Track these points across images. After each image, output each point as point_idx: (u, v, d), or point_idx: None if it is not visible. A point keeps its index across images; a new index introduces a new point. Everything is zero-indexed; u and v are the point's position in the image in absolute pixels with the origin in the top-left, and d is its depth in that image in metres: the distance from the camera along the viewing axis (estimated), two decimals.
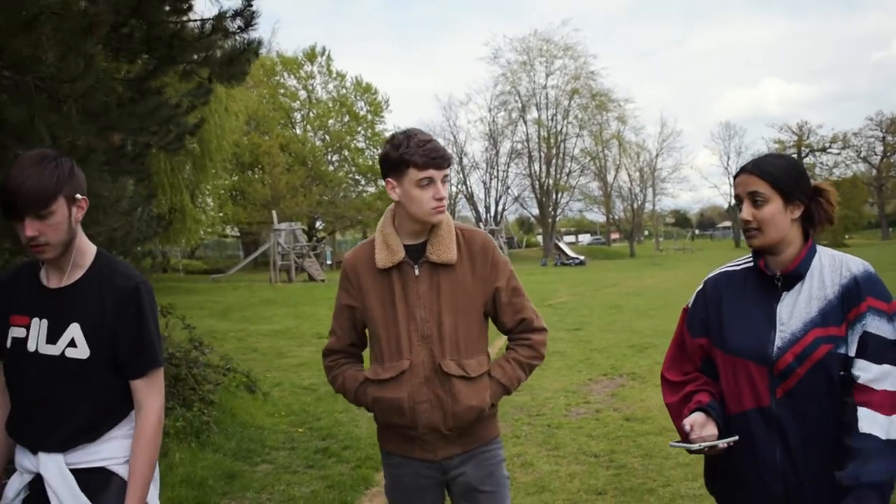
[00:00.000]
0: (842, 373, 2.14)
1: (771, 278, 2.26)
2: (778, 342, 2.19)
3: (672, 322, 9.36)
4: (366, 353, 2.76)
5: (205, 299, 22.71)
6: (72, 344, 2.24)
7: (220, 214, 36.92)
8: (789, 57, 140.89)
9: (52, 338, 2.24)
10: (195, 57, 6.06)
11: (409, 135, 2.51)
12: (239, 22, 6.01)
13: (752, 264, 2.35)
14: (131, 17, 5.50)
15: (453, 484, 2.63)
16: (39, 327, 2.25)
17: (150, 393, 2.31)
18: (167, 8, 5.82)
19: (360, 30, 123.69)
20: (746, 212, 2.23)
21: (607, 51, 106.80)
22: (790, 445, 2.16)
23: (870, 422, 2.06)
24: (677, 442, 2.23)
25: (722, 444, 2.13)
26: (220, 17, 5.91)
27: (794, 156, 64.46)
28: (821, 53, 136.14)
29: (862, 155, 69.64)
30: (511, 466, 5.39)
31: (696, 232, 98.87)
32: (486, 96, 71.04)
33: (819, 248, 2.28)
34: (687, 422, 2.20)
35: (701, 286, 2.44)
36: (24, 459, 2.28)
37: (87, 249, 2.34)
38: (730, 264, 2.44)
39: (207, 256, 54.01)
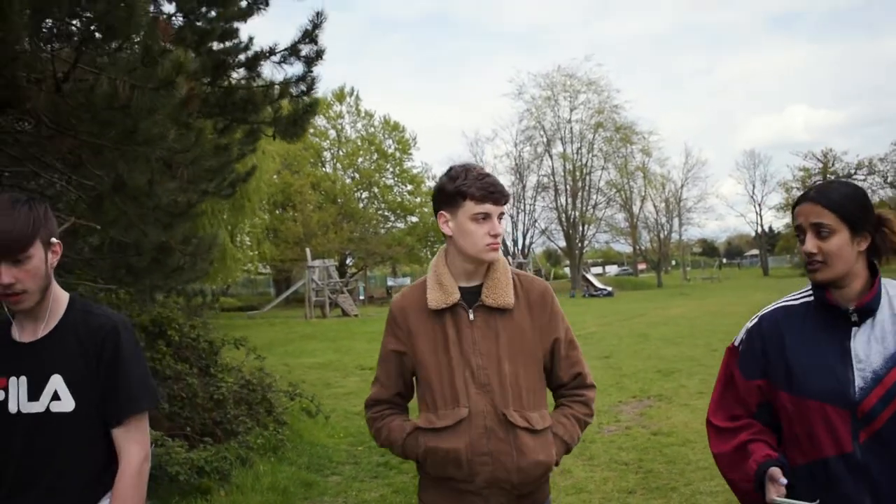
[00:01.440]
0: None
1: (843, 313, 2.11)
2: (859, 382, 2.04)
3: (697, 348, 10.47)
4: (412, 405, 2.61)
5: (245, 335, 23.52)
6: (56, 397, 2.12)
7: (257, 253, 38.03)
8: (815, 83, 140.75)
9: (34, 394, 2.12)
10: (264, 118, 6.98)
11: (467, 168, 2.45)
12: (302, 86, 6.91)
13: (811, 298, 2.21)
14: (210, 86, 6.45)
15: None
16: (18, 385, 2.13)
17: (127, 442, 2.19)
18: (240, 75, 6.77)
19: (386, 66, 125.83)
20: (811, 244, 2.09)
21: (632, 81, 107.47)
22: (880, 493, 2.01)
23: None
24: (780, 498, 2.01)
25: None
26: (286, 83, 6.81)
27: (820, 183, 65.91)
28: (847, 78, 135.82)
29: (889, 180, 69.55)
30: (552, 475, 6.16)
31: (724, 261, 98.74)
32: (511, 131, 71.96)
33: (884, 280, 2.16)
34: (775, 474, 2.03)
35: (755, 321, 2.29)
36: None
37: (61, 297, 2.23)
38: (786, 299, 2.29)
39: (239, 294, 55.11)
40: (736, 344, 2.31)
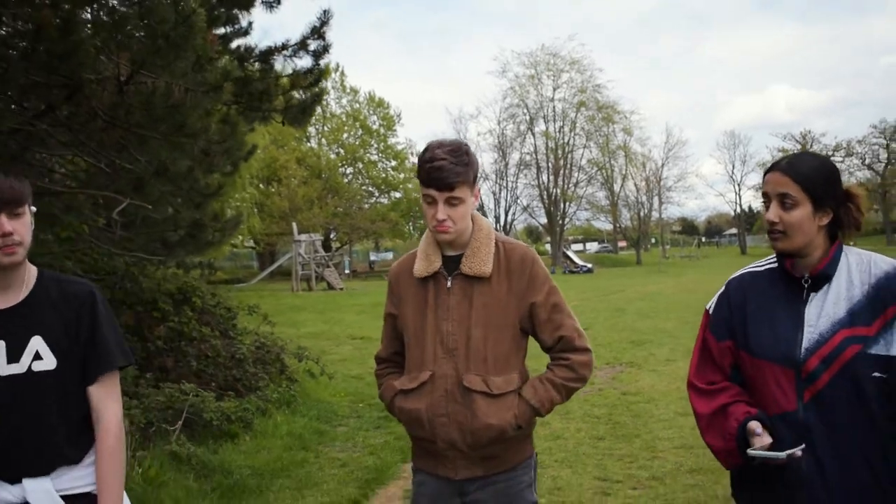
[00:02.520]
0: (876, 374, 2.05)
1: (798, 279, 2.20)
2: (805, 343, 2.11)
3: (670, 321, 11.64)
4: None
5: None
6: (37, 357, 2.21)
7: (245, 227, 38.53)
8: (798, 63, 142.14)
9: (14, 356, 2.20)
10: (276, 106, 7.72)
11: (427, 147, 2.48)
12: (311, 78, 7.65)
13: (776, 265, 2.29)
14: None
15: None
16: None
17: (106, 399, 2.29)
18: (257, 66, 7.48)
19: (370, 41, 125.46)
20: (773, 213, 2.16)
21: (615, 60, 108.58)
22: (818, 452, 2.08)
23: None
24: (757, 450, 2.07)
25: (798, 451, 2.04)
26: (296, 74, 7.55)
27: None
28: (829, 59, 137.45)
29: (866, 162, 70.70)
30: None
31: (703, 240, 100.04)
32: (495, 109, 72.40)
33: (846, 248, 2.21)
34: (755, 427, 2.11)
35: (723, 288, 2.38)
36: (2, 493, 2.21)
37: (31, 267, 2.32)
38: (753, 265, 2.39)
39: (223, 267, 55.54)
40: (708, 308, 2.40)
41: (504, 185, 61.55)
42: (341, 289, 34.59)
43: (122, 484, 2.28)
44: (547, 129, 60.01)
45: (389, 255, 64.59)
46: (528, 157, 60.99)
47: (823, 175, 2.14)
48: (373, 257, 63.27)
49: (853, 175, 69.43)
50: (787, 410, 2.12)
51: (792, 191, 2.12)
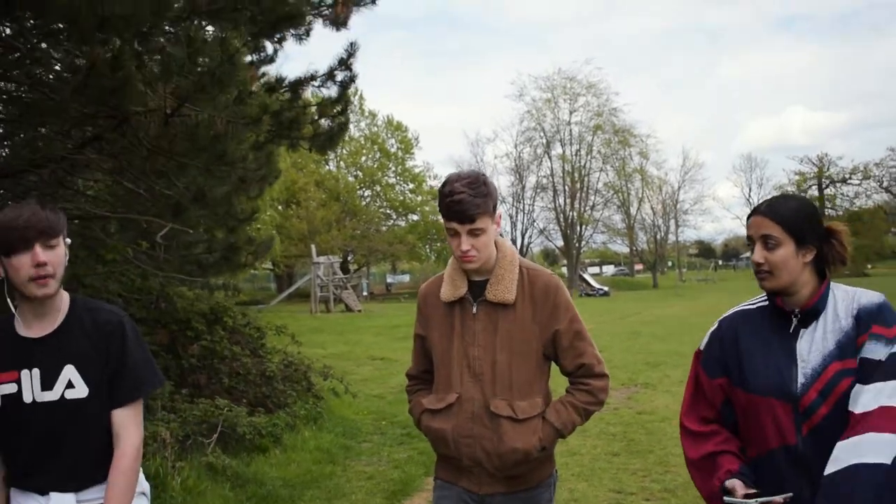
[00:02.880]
0: None
1: (788, 315, 2.27)
2: (801, 378, 2.18)
3: (684, 345, 11.96)
4: None
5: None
6: (70, 385, 2.29)
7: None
8: (814, 85, 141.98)
9: (48, 384, 2.28)
10: (304, 134, 8.06)
11: (448, 181, 2.57)
12: (338, 107, 8.00)
13: (766, 303, 2.36)
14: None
15: None
16: (31, 378, 2.28)
17: (129, 423, 2.36)
18: (286, 96, 7.84)
19: (387, 64, 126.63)
20: (758, 254, 2.24)
21: (632, 81, 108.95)
22: (818, 483, 2.10)
23: (840, 453, 2.08)
24: (733, 499, 2.18)
25: (779, 499, 2.12)
26: (324, 104, 7.90)
27: (815, 188, 63.57)
28: (846, 81, 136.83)
29: (884, 185, 70.08)
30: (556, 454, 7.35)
31: (720, 262, 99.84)
32: (511, 132, 72.75)
33: (833, 284, 2.29)
34: (734, 486, 2.20)
35: (715, 326, 2.45)
36: (30, 503, 2.34)
37: (64, 294, 2.39)
38: (744, 304, 2.46)
39: (241, 289, 55.96)
40: (701, 348, 2.47)
41: (521, 207, 61.77)
42: (359, 311, 34.86)
43: (131, 501, 2.35)
44: (563, 152, 60.30)
45: (406, 278, 64.97)
46: (544, 180, 61.28)
47: (803, 214, 2.23)
48: (389, 280, 63.66)
49: (871, 198, 68.87)
50: (787, 444, 2.19)
51: (774, 232, 2.21)
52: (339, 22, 7.28)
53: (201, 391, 7.26)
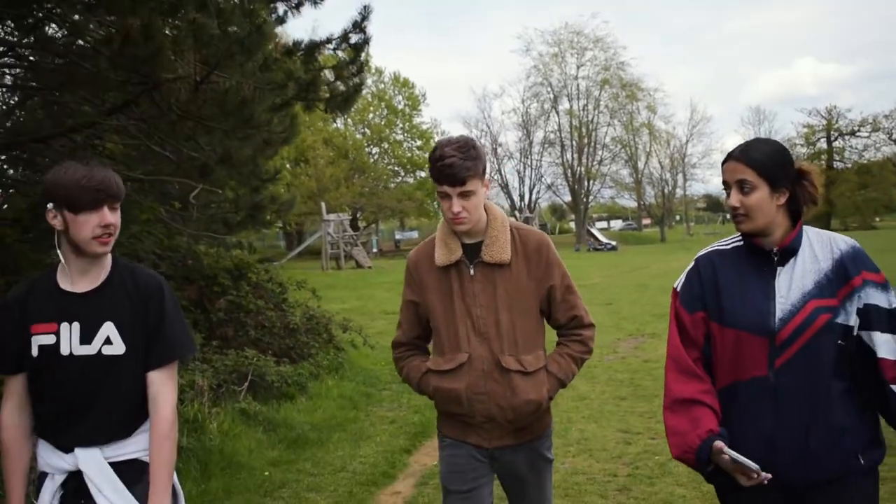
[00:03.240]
0: (840, 342, 2.24)
1: (767, 253, 2.35)
2: (779, 314, 2.26)
3: None
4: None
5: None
6: (107, 342, 2.35)
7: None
8: (824, 36, 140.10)
9: (87, 338, 2.34)
10: (320, 95, 8.34)
11: (437, 146, 2.65)
12: (353, 69, 8.26)
13: (741, 243, 2.43)
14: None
15: (500, 469, 2.82)
16: (70, 331, 2.34)
17: (164, 387, 2.42)
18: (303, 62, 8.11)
19: (392, 17, 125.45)
20: (734, 198, 2.31)
21: (638, 35, 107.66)
22: (782, 414, 2.25)
23: None
24: (733, 453, 2.19)
25: (766, 475, 2.16)
26: (340, 66, 8.16)
27: (824, 140, 63.03)
28: (857, 32, 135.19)
29: (893, 137, 69.46)
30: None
31: (727, 216, 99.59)
32: (518, 88, 73.02)
33: (805, 227, 2.37)
34: (720, 447, 2.22)
35: (692, 265, 2.51)
36: (55, 460, 2.37)
37: (109, 256, 2.46)
38: (718, 244, 2.53)
39: (255, 247, 56.43)
40: (677, 287, 2.54)
41: (528, 163, 62.00)
42: (370, 267, 35.25)
43: (173, 465, 2.42)
44: (571, 107, 60.35)
45: (415, 234, 65.34)
46: (552, 136, 61.41)
47: (775, 158, 2.30)
48: (398, 236, 64.05)
49: (879, 150, 68.28)
50: (759, 375, 2.28)
51: (748, 176, 2.29)
52: None
53: (229, 343, 7.66)
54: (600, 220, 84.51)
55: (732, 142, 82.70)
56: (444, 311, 2.73)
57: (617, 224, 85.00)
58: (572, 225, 67.04)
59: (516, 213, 56.32)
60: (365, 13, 7.99)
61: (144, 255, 6.72)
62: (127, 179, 6.78)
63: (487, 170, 2.74)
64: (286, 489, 5.20)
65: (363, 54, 8.20)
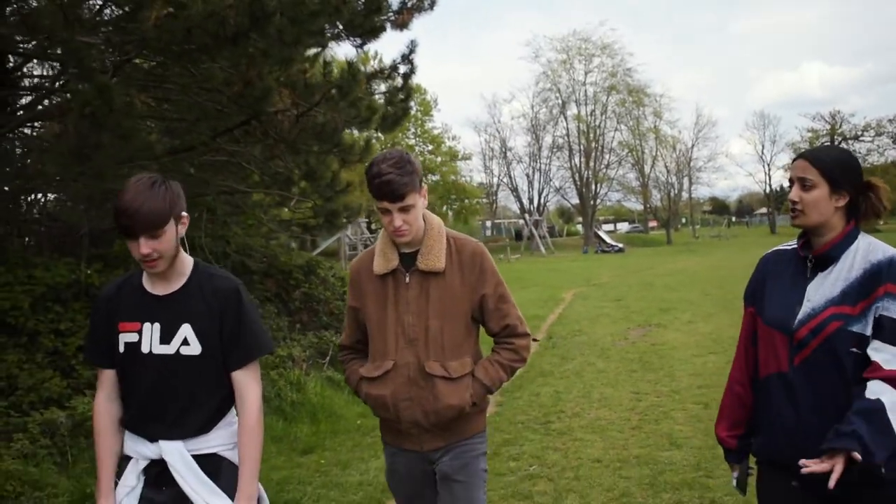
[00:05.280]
0: (853, 350, 2.29)
1: (804, 259, 2.44)
2: (800, 316, 2.37)
3: (693, 293, 14.59)
4: None
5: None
6: (185, 342, 2.45)
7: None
8: (831, 39, 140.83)
9: (166, 338, 2.45)
10: (375, 119, 9.82)
11: (372, 163, 2.66)
12: (402, 95, 9.76)
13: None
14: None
15: (437, 472, 2.85)
16: (152, 331, 2.45)
17: (250, 383, 2.52)
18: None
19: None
20: (794, 193, 2.38)
21: (645, 38, 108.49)
22: (800, 408, 2.36)
23: (877, 392, 2.21)
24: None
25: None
26: (393, 92, 9.66)
27: (827, 144, 63.05)
28: (864, 35, 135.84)
29: None
30: (583, 365, 9.33)
31: (733, 219, 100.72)
32: (528, 93, 74.04)
33: (862, 234, 2.41)
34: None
35: (758, 262, 2.65)
36: (140, 447, 2.50)
37: (187, 259, 2.55)
38: (785, 244, 2.63)
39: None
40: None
41: (537, 167, 62.94)
42: None
43: (260, 457, 2.53)
44: (579, 112, 61.31)
45: None
46: (560, 140, 62.28)
47: (841, 162, 2.40)
48: None
49: (883, 154, 68.36)
50: (781, 371, 2.41)
51: (811, 174, 2.37)
52: (402, 25, 9.04)
53: (306, 327, 9.23)
54: (607, 222, 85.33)
55: (737, 146, 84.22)
56: (378, 319, 2.79)
57: (624, 227, 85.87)
58: (580, 227, 68.14)
59: (526, 215, 57.71)
60: (412, 46, 9.46)
61: (252, 250, 8.28)
62: (236, 192, 8.38)
63: (423, 181, 2.78)
64: (377, 431, 6.76)
65: (410, 81, 9.69)
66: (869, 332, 2.27)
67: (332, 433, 6.64)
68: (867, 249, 2.36)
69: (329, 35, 7.50)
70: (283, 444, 6.30)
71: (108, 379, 2.54)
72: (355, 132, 10.03)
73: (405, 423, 2.77)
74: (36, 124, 8.08)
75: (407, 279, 2.76)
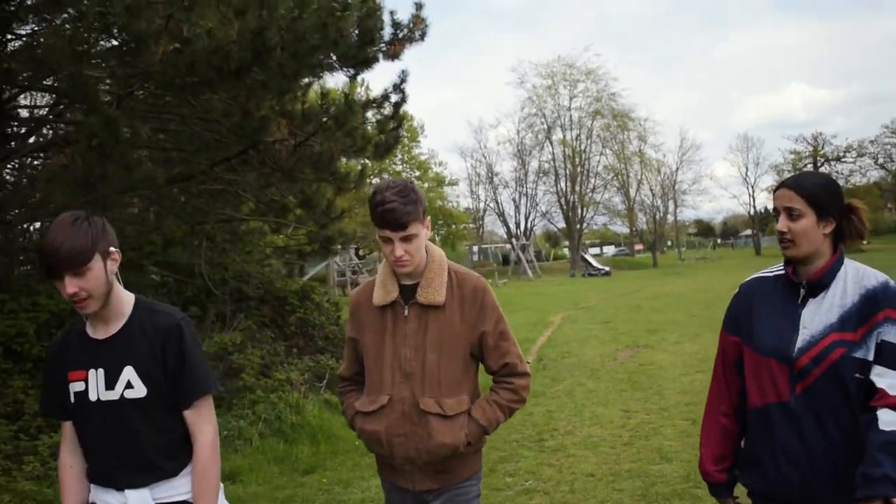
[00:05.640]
0: (857, 375, 2.29)
1: (797, 285, 2.43)
2: (800, 343, 2.35)
3: (679, 315, 14.84)
4: None
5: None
6: (129, 386, 2.37)
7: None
8: (815, 62, 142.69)
9: (111, 384, 2.38)
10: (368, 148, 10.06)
11: (376, 191, 2.61)
12: (393, 123, 10.01)
13: (783, 272, 2.50)
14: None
15: None
16: (97, 377, 2.39)
17: (199, 422, 2.45)
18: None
19: None
20: (782, 223, 2.38)
21: (630, 61, 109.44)
22: (806, 437, 2.34)
23: (891, 422, 2.19)
24: None
25: None
26: (384, 121, 9.90)
27: (810, 166, 63.95)
28: (847, 57, 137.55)
29: (879, 162, 68.97)
30: (574, 385, 9.54)
31: (719, 241, 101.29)
32: (513, 118, 74.59)
33: (847, 260, 2.42)
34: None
35: (737, 290, 2.63)
36: (107, 497, 2.44)
37: (126, 298, 2.47)
38: (764, 271, 2.61)
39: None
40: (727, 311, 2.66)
41: (523, 191, 63.32)
42: None
43: (217, 494, 2.47)
44: (564, 137, 61.73)
45: None
46: (546, 165, 62.64)
47: (825, 189, 2.39)
48: None
49: (866, 175, 68.83)
50: (781, 400, 2.38)
51: (797, 204, 2.36)
52: (394, 55, 9.31)
53: (302, 351, 9.40)
54: (594, 246, 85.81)
55: (722, 169, 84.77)
56: (376, 352, 2.73)
57: (610, 250, 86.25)
58: (566, 251, 68.44)
59: (513, 240, 58.02)
60: (403, 76, 9.72)
61: (250, 275, 8.47)
62: (232, 220, 8.59)
63: (426, 212, 2.73)
64: None
65: (401, 109, 9.92)
66: (871, 357, 2.28)
67: (332, 454, 6.81)
68: (856, 275, 2.38)
69: (324, 66, 7.77)
70: (284, 464, 6.47)
71: (68, 431, 2.50)
72: (346, 160, 10.31)
73: (399, 460, 2.70)
74: (34, 154, 8.28)
75: (406, 312, 2.70)
